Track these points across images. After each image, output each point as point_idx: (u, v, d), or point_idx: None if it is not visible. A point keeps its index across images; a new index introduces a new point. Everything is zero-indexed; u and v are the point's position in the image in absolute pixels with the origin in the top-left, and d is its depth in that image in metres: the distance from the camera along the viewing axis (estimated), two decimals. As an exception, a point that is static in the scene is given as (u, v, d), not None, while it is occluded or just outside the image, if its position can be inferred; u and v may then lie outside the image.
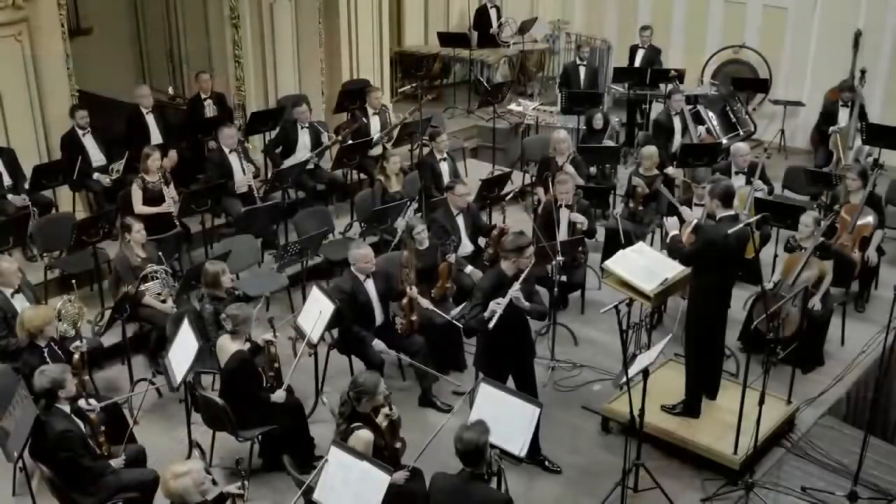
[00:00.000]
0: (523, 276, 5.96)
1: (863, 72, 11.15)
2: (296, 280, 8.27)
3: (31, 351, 6.10)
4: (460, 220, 8.12)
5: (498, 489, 5.18)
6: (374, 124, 10.16)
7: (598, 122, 10.43)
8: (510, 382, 6.10)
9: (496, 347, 6.05)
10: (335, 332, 6.95)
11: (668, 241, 6.56)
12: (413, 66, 12.82)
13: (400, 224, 8.28)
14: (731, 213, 6.22)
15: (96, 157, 8.87)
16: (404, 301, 6.93)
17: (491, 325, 5.89)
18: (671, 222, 6.59)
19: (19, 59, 8.38)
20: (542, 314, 6.37)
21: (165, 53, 11.65)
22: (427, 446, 5.25)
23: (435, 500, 4.91)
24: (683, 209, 7.95)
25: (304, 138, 9.66)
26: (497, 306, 5.88)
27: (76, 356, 6.04)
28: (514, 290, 5.90)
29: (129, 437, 5.88)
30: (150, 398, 6.92)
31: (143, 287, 7.13)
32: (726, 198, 6.20)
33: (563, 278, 7.76)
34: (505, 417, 5.27)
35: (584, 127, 10.75)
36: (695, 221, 6.84)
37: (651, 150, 9.30)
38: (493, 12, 13.58)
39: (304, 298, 7.41)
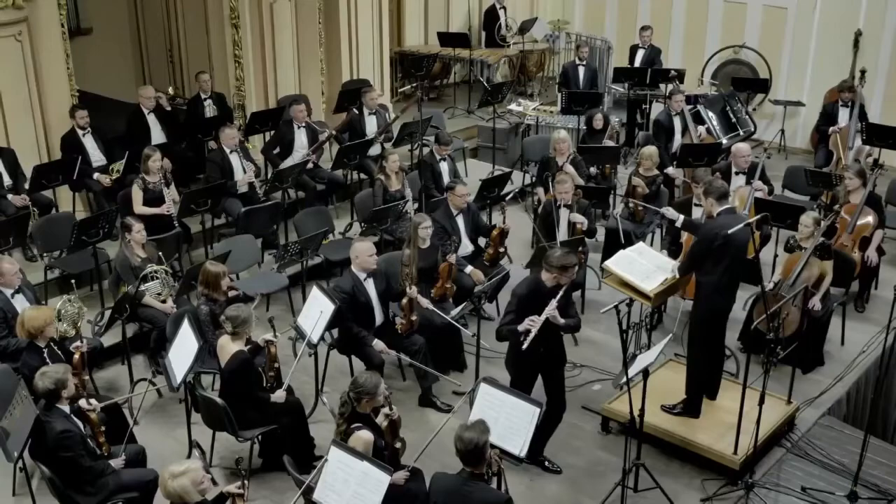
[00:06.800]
0: (561, 292, 5.89)
1: (863, 72, 11.15)
2: (296, 280, 8.28)
3: (30, 351, 6.09)
4: (460, 220, 8.11)
5: (498, 489, 5.17)
6: (371, 124, 10.17)
7: (598, 122, 10.43)
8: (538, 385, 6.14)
9: (527, 354, 5.95)
10: (335, 332, 6.95)
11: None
12: (413, 66, 12.82)
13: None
14: (728, 206, 6.22)
15: (96, 157, 8.88)
16: (404, 301, 6.92)
17: (525, 345, 5.82)
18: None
19: (19, 59, 8.38)
20: (575, 329, 6.28)
21: (165, 53, 11.66)
22: (427, 446, 5.25)
23: (435, 500, 4.90)
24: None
25: (300, 138, 9.64)
26: (532, 325, 5.82)
27: (76, 356, 6.04)
28: (551, 309, 5.83)
29: (129, 437, 5.88)
30: (150, 398, 6.93)
31: (143, 287, 7.13)
32: (722, 195, 6.20)
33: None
34: (505, 417, 5.28)
35: (584, 127, 10.75)
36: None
37: (651, 150, 9.30)
38: (502, 13, 13.61)
39: (304, 298, 7.41)
